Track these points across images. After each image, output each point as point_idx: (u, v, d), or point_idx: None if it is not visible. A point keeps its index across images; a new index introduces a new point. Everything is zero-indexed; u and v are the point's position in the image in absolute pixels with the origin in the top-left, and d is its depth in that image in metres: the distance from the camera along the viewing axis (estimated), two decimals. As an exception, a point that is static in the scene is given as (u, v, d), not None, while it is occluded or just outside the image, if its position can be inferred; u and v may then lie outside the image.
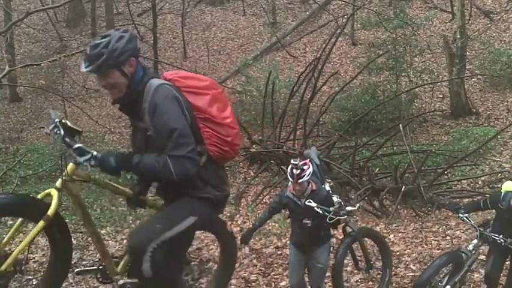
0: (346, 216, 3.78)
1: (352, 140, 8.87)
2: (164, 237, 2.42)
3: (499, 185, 7.23)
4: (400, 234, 5.91)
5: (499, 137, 8.61)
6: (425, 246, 5.35)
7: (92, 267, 4.32)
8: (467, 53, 11.43)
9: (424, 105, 11.14)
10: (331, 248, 3.92)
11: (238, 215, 6.99)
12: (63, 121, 2.61)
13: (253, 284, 4.71)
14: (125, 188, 2.95)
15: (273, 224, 6.75)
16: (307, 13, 17.04)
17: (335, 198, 3.78)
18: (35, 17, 18.89)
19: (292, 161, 3.65)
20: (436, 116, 10.81)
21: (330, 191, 3.93)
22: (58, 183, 2.58)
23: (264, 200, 8.00)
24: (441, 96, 11.62)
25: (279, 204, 3.96)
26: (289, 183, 3.80)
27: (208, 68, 15.26)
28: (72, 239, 6.05)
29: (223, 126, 2.57)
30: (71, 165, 2.64)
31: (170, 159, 2.36)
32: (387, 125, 9.56)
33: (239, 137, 2.85)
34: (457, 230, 5.64)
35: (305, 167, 3.65)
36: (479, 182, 7.59)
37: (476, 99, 11.27)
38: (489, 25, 13.69)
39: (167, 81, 2.55)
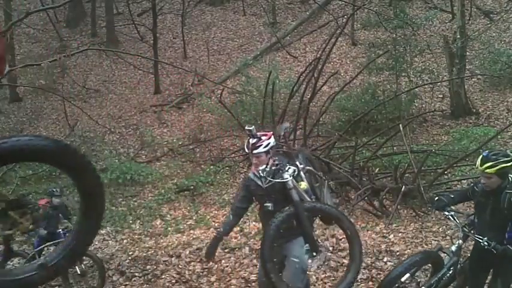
0: (288, 179, 3.23)
1: (352, 140, 8.87)
2: None
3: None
4: (400, 234, 5.91)
5: (499, 137, 8.61)
6: (426, 246, 5.35)
7: None
8: (467, 53, 11.43)
9: (424, 105, 11.13)
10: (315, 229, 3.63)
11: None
12: None
13: (253, 284, 4.71)
14: None
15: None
16: (307, 13, 17.03)
17: (290, 170, 3.31)
18: (35, 17, 18.89)
19: (246, 127, 3.29)
20: (436, 116, 10.81)
21: (296, 171, 3.44)
22: None
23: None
24: (441, 96, 11.62)
25: (246, 194, 3.55)
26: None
27: (208, 68, 15.27)
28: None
29: None
30: None
31: None
32: (387, 125, 9.55)
33: None
34: (458, 230, 5.64)
35: (263, 137, 3.28)
36: (479, 182, 7.58)
37: (476, 99, 11.27)
38: (489, 25, 13.68)
39: None
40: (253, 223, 6.52)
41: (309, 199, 3.37)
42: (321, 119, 10.00)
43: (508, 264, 3.39)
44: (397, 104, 10.16)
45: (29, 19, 10.19)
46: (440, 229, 5.97)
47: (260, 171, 3.35)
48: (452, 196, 3.80)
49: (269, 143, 3.26)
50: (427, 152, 7.79)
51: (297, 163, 3.54)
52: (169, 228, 7.40)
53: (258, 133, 3.32)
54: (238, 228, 6.18)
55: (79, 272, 5.64)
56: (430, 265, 3.80)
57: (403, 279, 3.50)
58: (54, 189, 6.04)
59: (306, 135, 8.90)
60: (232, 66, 14.90)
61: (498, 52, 11.98)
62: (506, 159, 3.28)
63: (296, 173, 3.30)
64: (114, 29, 17.86)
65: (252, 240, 5.88)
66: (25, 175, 10.32)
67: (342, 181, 7.82)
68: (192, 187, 9.00)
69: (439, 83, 11.36)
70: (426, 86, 11.05)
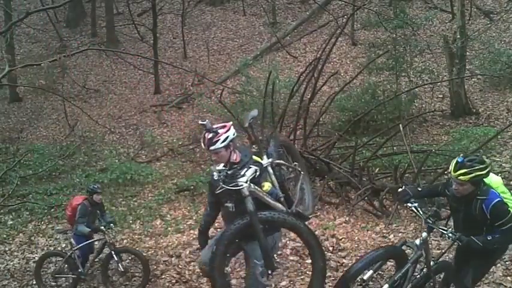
0: (241, 187, 2.93)
1: (352, 140, 8.87)
2: None
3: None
4: (400, 234, 5.91)
5: (499, 137, 8.60)
6: (426, 246, 5.34)
7: None
8: (467, 53, 11.42)
9: (424, 105, 11.13)
10: (275, 243, 3.35)
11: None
12: None
13: (253, 284, 4.70)
14: None
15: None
16: (307, 13, 17.04)
17: (248, 172, 2.99)
18: (35, 17, 18.90)
19: (200, 121, 2.98)
20: (436, 116, 10.81)
21: (263, 167, 3.17)
22: None
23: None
24: (441, 96, 11.62)
25: (212, 200, 3.28)
26: None
27: (208, 68, 15.27)
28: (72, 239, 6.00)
29: None
30: None
31: None
32: (387, 125, 9.55)
33: None
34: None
35: (220, 130, 2.97)
36: (479, 182, 7.58)
37: (476, 99, 11.26)
38: (489, 25, 13.68)
39: None
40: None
41: (273, 202, 3.07)
42: (321, 119, 10.00)
43: (483, 258, 3.31)
44: (397, 104, 10.16)
45: (29, 19, 10.19)
46: (440, 229, 5.96)
47: (215, 174, 3.05)
48: (419, 189, 3.65)
49: (227, 137, 2.97)
50: (427, 152, 7.78)
51: (263, 158, 3.23)
52: (169, 228, 7.40)
53: (215, 126, 3.01)
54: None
55: (122, 269, 5.60)
56: (393, 261, 3.65)
57: (365, 277, 3.34)
58: (96, 186, 5.91)
59: (306, 135, 8.89)
60: (232, 66, 14.90)
61: (498, 52, 11.97)
62: (481, 166, 3.13)
63: (257, 173, 3.01)
64: (114, 29, 17.86)
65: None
66: (25, 175, 10.32)
67: (342, 181, 7.82)
68: (192, 187, 9.00)
69: (439, 83, 11.36)
70: (426, 86, 11.05)
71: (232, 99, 12.48)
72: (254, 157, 3.26)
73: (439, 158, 8.27)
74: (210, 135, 2.94)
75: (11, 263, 6.90)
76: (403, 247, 3.50)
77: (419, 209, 3.45)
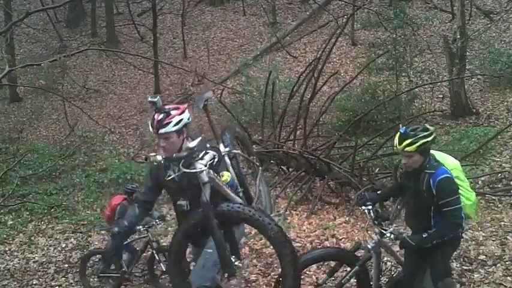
0: (201, 170, 2.48)
1: (352, 140, 8.86)
2: None
3: (499, 185, 7.26)
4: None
5: (499, 137, 8.60)
6: (425, 246, 5.35)
7: None
8: (467, 53, 11.42)
9: (424, 105, 11.13)
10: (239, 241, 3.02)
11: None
12: None
13: (253, 284, 4.71)
14: None
15: (273, 224, 6.75)
16: (307, 13, 17.03)
17: (207, 156, 2.57)
18: (35, 17, 18.89)
19: (149, 99, 2.56)
20: (436, 116, 10.81)
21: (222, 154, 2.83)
22: None
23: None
24: (441, 96, 11.62)
25: (154, 185, 2.85)
26: None
27: (208, 68, 15.27)
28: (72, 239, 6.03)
29: None
30: None
31: None
32: (387, 125, 9.54)
33: None
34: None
35: (173, 112, 2.60)
36: (479, 182, 7.58)
37: (476, 99, 11.26)
38: (489, 25, 13.68)
39: None
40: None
41: (232, 194, 2.71)
42: (321, 119, 9.99)
43: (436, 254, 3.14)
44: (397, 104, 10.16)
45: (29, 19, 10.19)
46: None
47: (164, 159, 2.59)
48: (378, 192, 3.58)
49: (181, 120, 2.61)
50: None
51: (220, 146, 2.91)
52: (169, 229, 7.40)
53: (167, 106, 2.64)
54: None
55: (163, 269, 5.39)
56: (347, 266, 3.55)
57: (320, 281, 3.33)
58: (134, 186, 5.74)
59: (306, 135, 8.89)
60: (232, 66, 14.90)
61: (498, 52, 11.97)
62: (425, 133, 3.01)
63: (216, 160, 2.59)
64: (114, 29, 17.86)
65: (252, 240, 5.86)
66: (25, 175, 10.32)
67: (342, 181, 7.82)
68: (192, 187, 8.99)
69: (439, 83, 11.36)
70: (426, 86, 11.05)
71: (232, 99, 12.47)
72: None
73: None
74: (161, 116, 2.55)
75: (11, 263, 6.89)
76: (358, 251, 3.41)
77: (371, 211, 3.33)
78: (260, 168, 3.34)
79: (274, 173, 8.99)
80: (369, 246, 3.32)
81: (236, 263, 2.66)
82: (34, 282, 6.08)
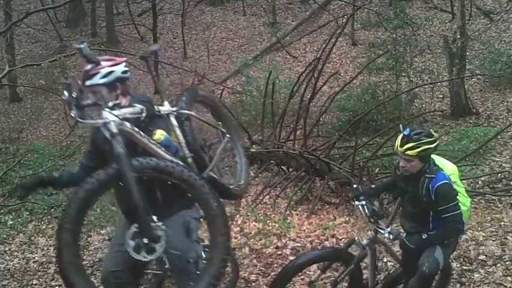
0: (107, 120, 2.09)
1: (352, 140, 8.86)
2: None
3: (499, 185, 7.26)
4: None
5: (499, 137, 8.61)
6: (426, 246, 5.35)
7: None
8: (467, 53, 11.43)
9: (424, 105, 11.13)
10: (190, 223, 2.63)
11: (238, 215, 6.99)
12: None
13: (253, 284, 4.70)
14: None
15: (273, 224, 6.74)
16: (307, 13, 17.04)
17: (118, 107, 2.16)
18: (35, 17, 18.89)
19: (75, 45, 2.20)
20: (436, 116, 10.81)
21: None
22: None
23: (264, 200, 8.00)
24: (441, 96, 11.62)
25: (92, 150, 2.52)
26: None
27: (208, 68, 15.27)
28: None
29: None
30: None
31: None
32: (387, 125, 9.55)
33: None
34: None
35: (105, 63, 2.32)
36: (479, 182, 7.59)
37: (476, 99, 11.26)
38: (489, 25, 13.68)
39: None
40: (253, 223, 6.52)
41: (165, 154, 2.28)
42: (321, 119, 10.00)
43: (430, 247, 3.03)
44: (397, 104, 10.16)
45: (29, 19, 10.20)
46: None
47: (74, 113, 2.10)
48: (372, 186, 3.44)
49: (111, 72, 2.31)
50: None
51: (165, 104, 2.55)
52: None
53: (100, 57, 2.37)
54: (238, 229, 6.16)
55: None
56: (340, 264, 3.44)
57: (313, 278, 3.25)
58: None
59: (306, 135, 8.89)
60: (232, 66, 14.90)
61: (498, 52, 11.98)
62: (429, 139, 2.89)
63: (144, 115, 2.23)
64: (114, 29, 17.86)
65: (252, 240, 5.86)
66: (25, 175, 10.31)
67: (342, 181, 7.82)
68: (192, 187, 8.98)
69: (439, 83, 11.37)
70: (426, 86, 11.05)
71: (232, 99, 12.48)
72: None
73: (439, 158, 8.27)
74: (89, 66, 2.26)
75: (11, 263, 6.88)
76: (352, 247, 3.28)
77: (365, 207, 3.20)
78: (228, 136, 2.89)
79: (274, 173, 8.98)
80: (364, 243, 3.21)
81: (159, 224, 2.16)
82: (34, 282, 6.07)
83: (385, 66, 10.79)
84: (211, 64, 15.57)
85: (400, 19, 10.67)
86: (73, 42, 18.10)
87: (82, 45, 2.20)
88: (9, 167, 9.89)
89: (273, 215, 7.21)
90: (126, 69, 2.47)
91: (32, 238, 7.85)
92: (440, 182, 2.89)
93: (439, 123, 10.58)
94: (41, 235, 7.95)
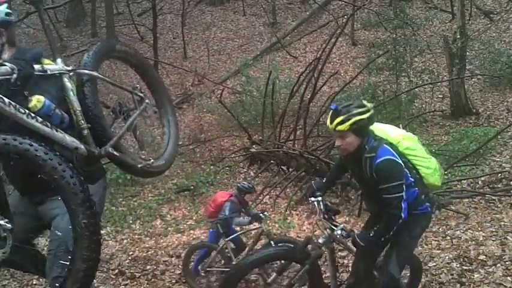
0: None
1: (352, 140, 8.86)
2: None
3: (499, 185, 7.26)
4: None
5: (499, 137, 8.61)
6: (426, 247, 5.34)
7: None
8: (467, 53, 11.44)
9: (424, 105, 11.14)
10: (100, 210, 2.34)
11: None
12: None
13: (253, 284, 4.71)
14: None
15: (273, 224, 6.75)
16: (307, 13, 17.04)
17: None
18: (35, 17, 18.88)
19: None
20: (436, 116, 10.82)
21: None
22: None
23: (264, 200, 8.01)
24: (441, 96, 11.63)
25: None
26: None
27: (208, 68, 15.27)
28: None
29: None
30: None
31: None
32: (387, 125, 9.56)
33: None
34: (457, 230, 5.63)
35: None
36: (479, 182, 7.59)
37: (476, 99, 11.27)
38: (489, 25, 13.69)
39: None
40: (254, 223, 6.51)
41: (44, 128, 1.83)
42: (321, 119, 9.99)
43: (403, 236, 2.79)
44: (397, 104, 10.17)
45: (29, 19, 10.21)
46: (440, 229, 5.96)
47: None
48: (324, 178, 3.19)
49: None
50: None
51: (57, 62, 2.14)
52: (169, 228, 7.40)
53: None
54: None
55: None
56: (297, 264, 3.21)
57: (269, 280, 3.04)
58: (250, 185, 5.43)
59: (306, 135, 8.89)
60: (232, 66, 14.90)
61: (498, 52, 11.99)
62: (360, 110, 2.59)
63: (16, 76, 1.81)
64: (114, 29, 17.83)
65: (251, 240, 5.87)
66: (25, 175, 10.32)
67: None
68: (192, 187, 9.00)
69: (439, 83, 11.37)
70: (426, 86, 11.06)
71: (232, 99, 12.47)
72: (45, 61, 2.13)
73: (439, 158, 8.26)
74: None
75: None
76: (308, 247, 3.02)
77: (320, 203, 2.98)
78: (147, 102, 2.53)
79: (274, 173, 8.99)
80: (320, 242, 2.97)
81: (2, 223, 1.76)
82: (34, 282, 6.07)
83: (385, 66, 10.80)
84: (211, 64, 15.57)
85: (400, 19, 10.68)
86: (73, 42, 18.13)
87: None
88: (9, 167, 9.88)
89: (273, 215, 7.21)
90: (10, 11, 2.04)
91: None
92: (380, 159, 2.58)
93: (439, 123, 10.58)
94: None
